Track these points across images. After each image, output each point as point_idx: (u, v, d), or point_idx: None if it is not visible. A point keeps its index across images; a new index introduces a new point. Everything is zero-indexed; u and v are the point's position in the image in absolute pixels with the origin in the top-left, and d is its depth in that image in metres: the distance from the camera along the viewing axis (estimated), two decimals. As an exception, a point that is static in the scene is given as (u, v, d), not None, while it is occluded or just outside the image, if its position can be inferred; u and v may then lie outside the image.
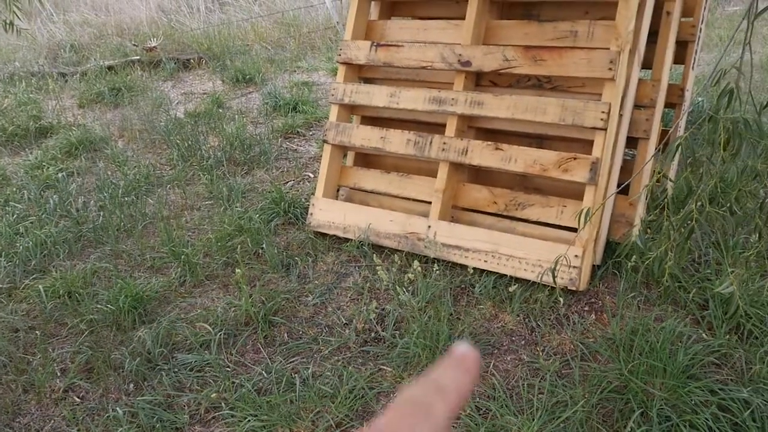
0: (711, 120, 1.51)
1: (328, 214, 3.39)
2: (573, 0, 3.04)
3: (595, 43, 2.84)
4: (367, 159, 3.70)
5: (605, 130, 2.72)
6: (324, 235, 3.42)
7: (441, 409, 0.33)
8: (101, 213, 3.86)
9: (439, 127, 3.26)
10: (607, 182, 2.77)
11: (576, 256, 2.73)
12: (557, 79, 3.00)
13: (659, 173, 1.69)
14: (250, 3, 9.25)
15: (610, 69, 2.71)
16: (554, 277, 1.94)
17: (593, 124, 2.73)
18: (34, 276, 3.31)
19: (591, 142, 2.82)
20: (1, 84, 6.70)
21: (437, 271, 2.91)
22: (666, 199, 1.61)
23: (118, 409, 2.38)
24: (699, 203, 1.59)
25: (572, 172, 2.78)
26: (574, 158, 2.78)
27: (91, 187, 4.28)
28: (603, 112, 2.71)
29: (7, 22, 3.38)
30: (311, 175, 4.26)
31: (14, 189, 4.30)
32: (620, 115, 2.78)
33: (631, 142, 3.02)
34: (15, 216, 3.88)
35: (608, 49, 2.76)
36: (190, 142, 4.69)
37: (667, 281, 2.15)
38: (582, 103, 2.77)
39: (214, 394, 2.43)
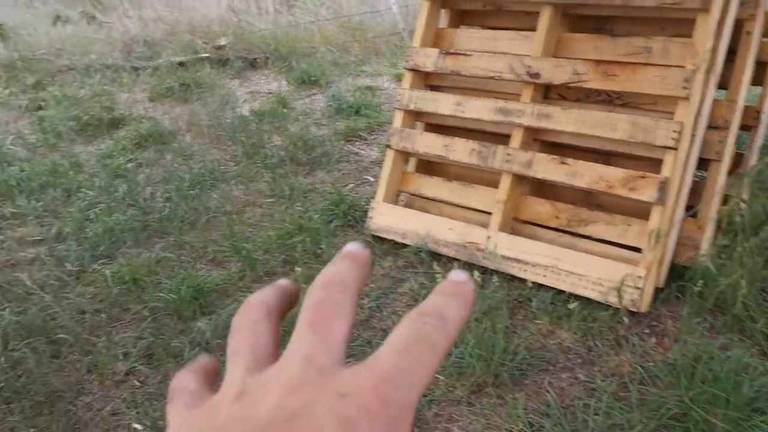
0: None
1: (388, 218, 3.41)
2: (648, 16, 2.98)
3: (670, 61, 2.78)
4: (428, 166, 3.70)
5: (676, 149, 2.66)
6: (382, 239, 3.44)
7: (443, 342, 0.30)
8: (167, 204, 3.98)
9: (503, 138, 3.24)
10: (675, 203, 2.71)
11: (639, 276, 2.68)
12: (628, 95, 2.95)
13: (737, 197, 1.64)
14: (317, 6, 9.38)
15: (685, 87, 2.66)
16: (620, 297, 1.91)
17: (664, 143, 2.68)
18: (101, 261, 3.43)
19: (660, 161, 2.77)
20: (77, 75, 6.96)
21: (495, 283, 2.90)
22: (743, 225, 1.57)
23: (176, 396, 2.45)
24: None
25: (640, 191, 2.73)
26: (643, 177, 2.73)
27: (158, 179, 4.41)
28: (675, 131, 2.66)
29: (90, 15, 3.52)
30: (371, 179, 4.29)
31: (86, 176, 4.46)
32: (693, 135, 2.72)
33: (702, 163, 2.94)
34: (86, 202, 4.02)
35: (683, 67, 2.70)
36: (254, 140, 4.79)
37: (738, 309, 2.09)
38: (653, 121, 2.72)
39: (268, 389, 2.47)
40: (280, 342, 0.33)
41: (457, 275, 0.34)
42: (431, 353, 0.29)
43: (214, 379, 0.34)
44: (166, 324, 2.91)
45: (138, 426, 2.40)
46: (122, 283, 3.20)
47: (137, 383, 2.63)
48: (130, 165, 4.58)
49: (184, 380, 0.35)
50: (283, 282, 0.36)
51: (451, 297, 0.32)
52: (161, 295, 3.05)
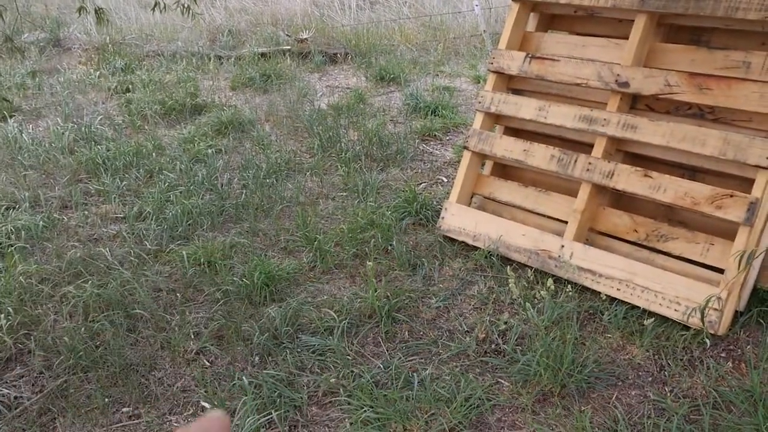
0: None
1: (460, 220, 3.39)
2: (749, 30, 2.87)
3: (769, 77, 2.67)
4: (504, 170, 3.67)
5: (770, 169, 2.56)
6: (453, 240, 3.43)
7: None
8: (243, 191, 4.07)
9: (585, 147, 3.18)
10: (764, 225, 2.60)
11: (719, 298, 2.59)
12: (722, 110, 2.85)
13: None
14: (399, 4, 9.41)
15: (784, 106, 2.55)
16: (703, 318, 1.84)
17: (757, 162, 2.57)
18: (178, 242, 3.54)
19: (750, 181, 2.66)
20: (164, 60, 7.19)
21: (568, 293, 2.85)
22: None
23: (244, 378, 2.50)
24: None
25: (726, 209, 2.64)
26: (731, 195, 2.64)
27: (236, 166, 4.51)
28: (770, 150, 2.55)
29: (185, 6, 3.63)
30: (444, 180, 4.28)
31: (168, 159, 4.60)
32: (788, 156, 2.60)
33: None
34: (167, 184, 4.15)
35: (784, 84, 2.59)
36: (330, 134, 4.84)
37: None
38: (747, 138, 2.62)
39: (333, 379, 2.51)
40: None
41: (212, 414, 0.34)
42: None
43: None
44: (236, 308, 2.98)
45: (206, 404, 2.46)
46: (197, 265, 3.29)
47: (207, 363, 2.70)
48: (209, 151, 4.70)
49: None
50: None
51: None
52: (234, 279, 3.13)
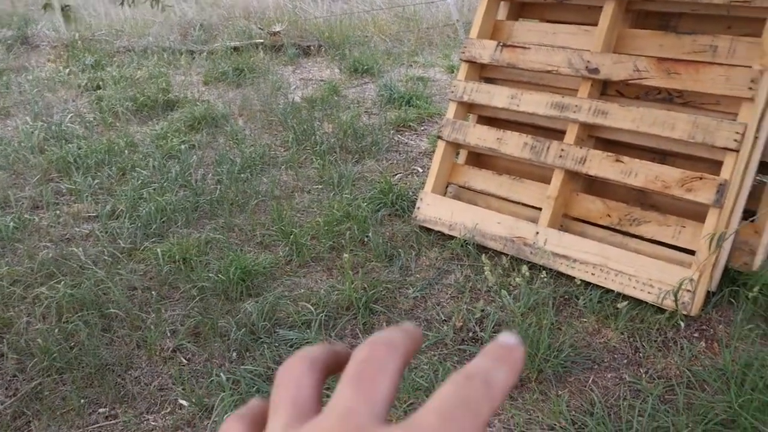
0: None
1: (435, 209, 3.40)
2: (715, 14, 2.90)
3: (735, 60, 2.70)
4: (479, 159, 3.68)
5: (738, 151, 2.59)
6: (429, 230, 3.44)
7: (487, 409, 0.29)
8: (218, 186, 4.04)
9: (557, 134, 3.20)
10: (733, 206, 2.64)
11: (691, 279, 2.62)
12: (690, 94, 2.88)
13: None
14: (372, -5, 9.38)
15: (751, 88, 2.58)
16: (676, 301, 1.87)
17: (725, 145, 2.61)
18: (153, 239, 3.51)
19: (719, 163, 2.70)
20: (135, 56, 7.11)
21: (543, 279, 2.87)
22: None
23: (221, 374, 2.49)
24: None
25: (696, 192, 2.67)
26: (700, 178, 2.67)
27: (210, 161, 4.48)
28: (737, 132, 2.58)
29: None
30: (420, 170, 4.28)
31: (140, 156, 4.56)
32: (755, 138, 2.64)
33: (764, 166, 2.85)
34: (140, 181, 4.11)
35: (750, 67, 2.62)
36: (305, 127, 4.82)
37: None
38: (715, 121, 2.65)
39: (311, 372, 2.50)
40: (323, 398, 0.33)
41: (507, 338, 0.33)
42: (474, 420, 0.28)
43: (263, 425, 0.34)
44: (213, 304, 2.96)
45: (184, 402, 2.45)
46: (172, 262, 3.27)
47: (184, 360, 2.68)
48: (183, 146, 4.66)
49: (233, 427, 0.34)
50: (335, 345, 0.36)
51: (499, 362, 0.31)
52: (210, 275, 3.11)
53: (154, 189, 4.00)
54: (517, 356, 0.32)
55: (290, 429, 0.30)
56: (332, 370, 0.35)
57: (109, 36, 7.94)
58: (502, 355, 0.31)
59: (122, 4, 3.62)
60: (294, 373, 0.33)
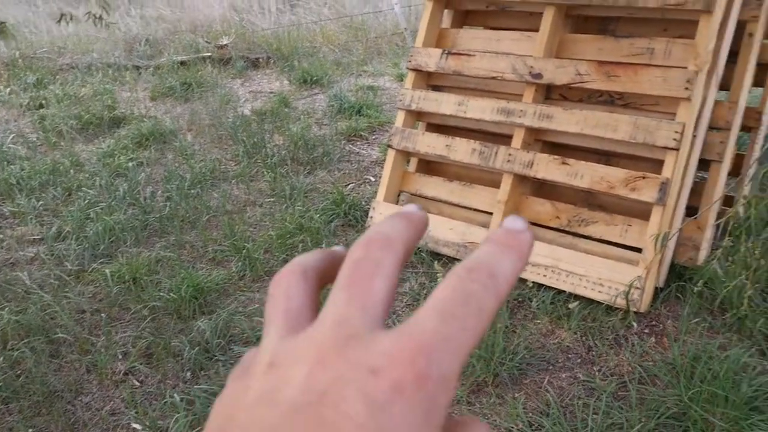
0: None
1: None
2: (651, 17, 2.98)
3: (672, 62, 2.78)
4: (429, 166, 3.70)
5: (677, 150, 2.66)
6: (383, 239, 3.43)
7: (492, 303, 0.27)
8: (167, 203, 3.97)
9: (505, 138, 3.24)
10: (675, 204, 2.71)
11: (639, 276, 2.68)
12: (630, 96, 2.95)
13: (744, 198, 1.64)
14: (320, 5, 9.38)
15: (687, 89, 2.66)
16: (628, 301, 1.90)
17: (665, 144, 2.68)
18: (101, 260, 3.43)
19: (661, 162, 2.77)
20: (79, 73, 6.96)
21: (495, 283, 2.89)
22: (748, 225, 1.56)
23: (175, 395, 2.45)
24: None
25: (640, 191, 2.73)
26: (643, 177, 2.73)
27: (159, 178, 4.41)
28: (676, 132, 2.65)
29: (97, 16, 3.52)
30: (372, 179, 4.29)
31: (87, 175, 4.46)
32: (694, 136, 2.72)
33: (703, 164, 2.94)
34: (86, 201, 4.02)
35: (686, 68, 2.70)
36: (255, 140, 4.79)
37: (745, 310, 2.08)
38: (655, 121, 2.72)
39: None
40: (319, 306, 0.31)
41: (513, 222, 0.29)
42: (478, 316, 0.26)
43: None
44: (165, 323, 2.91)
45: (137, 426, 2.40)
46: (122, 283, 3.20)
47: (136, 383, 2.62)
48: (131, 164, 4.58)
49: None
50: (333, 249, 0.33)
51: (504, 249, 0.28)
52: (161, 294, 3.06)
53: (102, 208, 3.92)
54: (524, 241, 0.29)
55: (283, 341, 0.28)
56: (329, 275, 0.32)
57: (52, 53, 7.76)
58: (507, 242, 0.29)
59: (59, 21, 3.54)
60: (285, 284, 0.31)
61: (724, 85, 2.98)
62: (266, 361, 0.27)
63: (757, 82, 3.10)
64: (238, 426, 0.25)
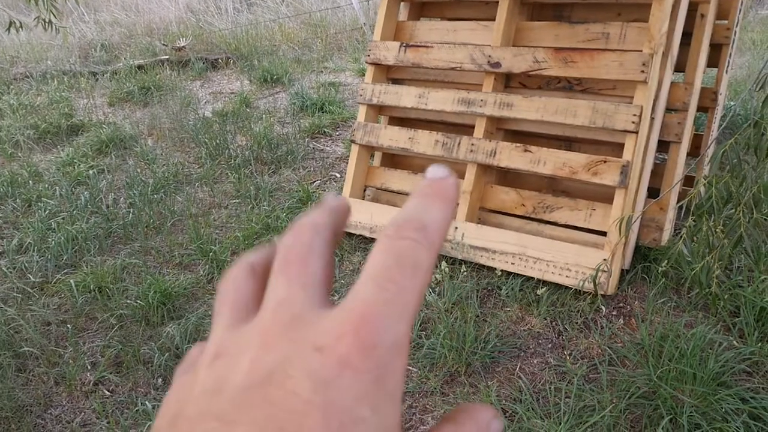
0: (756, 125, 1.49)
1: (355, 213, 3.40)
2: (605, 2, 3.01)
3: (627, 46, 2.82)
4: (394, 160, 3.70)
5: (636, 133, 2.70)
6: (350, 234, 3.43)
7: (426, 256, 0.26)
8: (131, 210, 3.91)
9: (467, 129, 3.25)
10: (637, 186, 2.75)
11: (604, 259, 2.71)
12: (588, 81, 2.98)
13: (705, 178, 1.67)
14: (277, 3, 9.31)
15: (643, 71, 2.69)
16: (595, 285, 1.92)
17: (624, 127, 2.71)
18: (65, 271, 3.37)
19: (621, 146, 2.80)
20: (34, 82, 6.81)
21: (464, 273, 2.91)
22: (710, 204, 1.58)
23: (147, 402, 2.41)
24: (742, 209, 1.56)
25: (602, 175, 2.76)
26: (604, 161, 2.76)
27: (121, 185, 4.33)
28: (634, 114, 2.69)
29: (46, 20, 3.44)
30: (338, 175, 4.27)
31: (46, 185, 4.37)
32: (652, 118, 2.76)
33: (663, 145, 2.98)
34: (47, 212, 3.94)
35: (641, 51, 2.73)
36: (218, 141, 4.73)
37: (714, 289, 2.11)
38: (613, 105, 2.75)
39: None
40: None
41: (435, 171, 0.30)
42: (415, 273, 0.26)
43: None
44: (134, 331, 2.87)
45: (109, 435, 2.36)
46: (87, 292, 3.14)
47: (107, 392, 2.58)
48: (91, 172, 4.49)
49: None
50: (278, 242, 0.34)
51: (429, 198, 0.28)
52: (128, 302, 3.01)
53: (63, 218, 3.84)
54: (448, 187, 0.29)
55: (228, 331, 0.28)
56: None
57: (4, 63, 7.58)
58: (432, 192, 0.29)
59: (8, 29, 3.45)
60: (232, 280, 0.31)
61: (680, 67, 3.03)
62: (212, 353, 0.28)
63: (712, 63, 3.16)
64: (186, 419, 0.25)
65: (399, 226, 0.27)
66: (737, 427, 2.03)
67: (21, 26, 3.47)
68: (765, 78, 1.54)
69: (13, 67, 7.47)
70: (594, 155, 2.82)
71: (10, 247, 3.59)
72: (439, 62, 3.24)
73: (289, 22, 8.43)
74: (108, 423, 2.40)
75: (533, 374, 2.43)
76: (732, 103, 4.37)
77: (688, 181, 3.19)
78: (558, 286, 2.84)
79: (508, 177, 3.28)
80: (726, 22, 3.13)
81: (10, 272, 3.38)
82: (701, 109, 3.19)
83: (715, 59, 3.17)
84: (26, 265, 3.43)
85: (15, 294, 3.18)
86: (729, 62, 3.14)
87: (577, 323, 2.66)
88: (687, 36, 2.95)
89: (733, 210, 1.59)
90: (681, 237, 2.69)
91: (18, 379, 2.66)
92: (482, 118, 3.10)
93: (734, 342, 2.42)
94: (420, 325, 2.70)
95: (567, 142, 3.13)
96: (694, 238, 2.81)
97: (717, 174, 2.91)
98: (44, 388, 2.62)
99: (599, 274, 2.70)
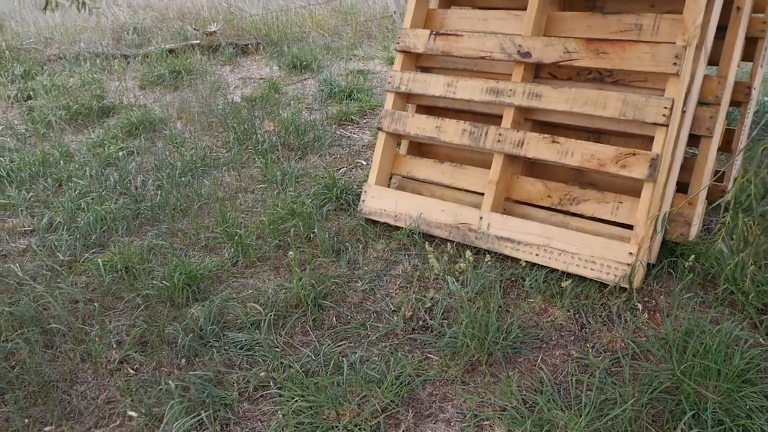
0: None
1: (380, 201, 3.40)
2: (639, -8, 2.97)
3: (660, 38, 2.77)
4: (420, 148, 3.69)
5: (667, 126, 2.66)
6: (375, 222, 3.44)
7: None
8: (159, 192, 3.96)
9: (495, 118, 3.23)
10: (666, 179, 2.71)
11: (631, 253, 2.68)
12: (619, 73, 2.94)
13: (744, 174, 1.64)
14: (308, -10, 9.31)
15: (675, 64, 2.65)
16: (630, 282, 1.90)
17: (655, 120, 2.67)
18: (93, 250, 3.42)
19: (651, 138, 2.77)
20: (67, 64, 6.91)
21: (488, 263, 2.90)
22: (749, 201, 1.55)
23: (170, 382, 2.45)
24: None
25: (630, 168, 2.73)
26: (633, 154, 2.73)
27: (150, 167, 4.39)
28: (665, 107, 2.65)
29: (80, 1, 3.49)
30: (364, 163, 4.27)
31: (77, 166, 4.43)
32: (683, 112, 2.71)
33: (693, 139, 2.94)
34: (77, 192, 4.00)
35: (674, 43, 2.69)
36: (246, 126, 4.76)
37: (749, 286, 2.08)
38: (644, 98, 2.71)
39: (263, 373, 2.48)
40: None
41: None
42: None
43: None
44: (159, 311, 2.91)
45: (133, 413, 2.40)
46: (114, 272, 3.19)
47: (131, 371, 2.62)
48: (121, 153, 4.55)
49: None
50: None
51: None
52: (154, 282, 3.05)
53: (93, 198, 3.90)
54: None
55: None
56: None
57: (39, 44, 7.69)
58: None
59: (45, 8, 3.50)
60: None
61: (713, 60, 2.98)
62: None
63: (746, 56, 3.10)
64: None
65: None
66: (761, 424, 2.00)
67: (57, 5, 3.52)
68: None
69: (47, 48, 7.58)
70: (623, 148, 2.78)
71: (40, 226, 3.66)
72: (468, 51, 3.22)
73: (320, 9, 8.43)
74: (132, 401, 2.44)
75: (555, 366, 2.42)
76: (766, 98, 4.29)
77: (719, 176, 3.13)
78: (582, 279, 2.81)
79: (535, 168, 3.25)
80: (762, 15, 3.07)
81: (40, 250, 3.44)
82: (734, 103, 3.13)
83: (750, 53, 3.11)
84: (56, 243, 3.49)
85: (44, 272, 3.25)
86: (764, 56, 3.08)
87: (600, 316, 2.64)
88: (722, 29, 2.90)
89: None
90: (720, 233, 2.65)
91: (45, 355, 2.71)
92: (510, 107, 3.08)
93: (761, 339, 2.38)
94: (442, 314, 2.70)
95: (595, 134, 3.10)
96: (732, 236, 2.77)
97: (757, 171, 2.86)
98: (70, 365, 2.66)
99: (619, 265, 2.68)
